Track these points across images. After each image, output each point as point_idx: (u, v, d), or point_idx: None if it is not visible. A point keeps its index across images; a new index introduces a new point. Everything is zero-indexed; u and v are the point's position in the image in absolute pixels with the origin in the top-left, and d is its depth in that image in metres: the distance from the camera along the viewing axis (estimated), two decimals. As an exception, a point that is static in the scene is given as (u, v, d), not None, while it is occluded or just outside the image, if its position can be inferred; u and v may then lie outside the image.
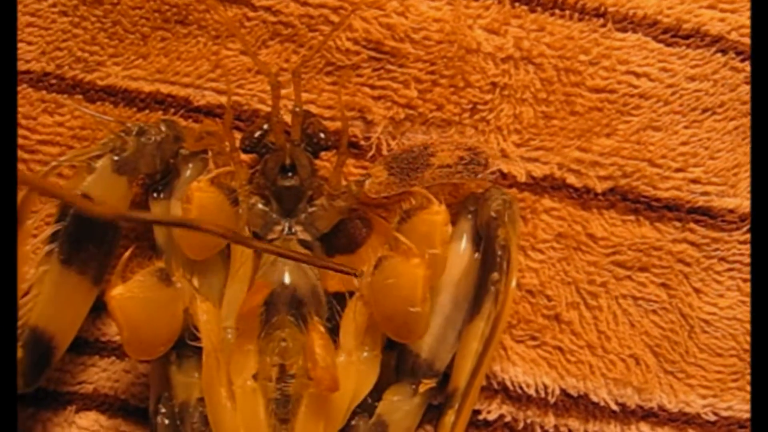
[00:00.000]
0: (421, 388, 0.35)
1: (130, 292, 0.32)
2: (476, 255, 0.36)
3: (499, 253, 0.34)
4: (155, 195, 0.36)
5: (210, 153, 0.36)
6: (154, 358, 0.34)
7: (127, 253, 0.33)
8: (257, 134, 0.36)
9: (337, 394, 0.32)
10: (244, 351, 0.33)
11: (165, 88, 0.39)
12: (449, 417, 0.34)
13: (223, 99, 0.39)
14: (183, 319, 0.33)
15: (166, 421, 0.35)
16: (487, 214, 0.35)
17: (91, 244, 0.34)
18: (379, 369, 0.34)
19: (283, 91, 0.35)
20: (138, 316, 0.32)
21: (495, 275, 0.34)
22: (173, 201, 0.36)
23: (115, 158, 0.34)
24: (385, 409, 0.35)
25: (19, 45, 0.39)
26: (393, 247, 0.33)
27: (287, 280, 0.34)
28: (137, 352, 0.33)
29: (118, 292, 0.31)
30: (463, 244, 0.36)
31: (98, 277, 0.35)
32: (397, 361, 0.36)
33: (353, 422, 0.34)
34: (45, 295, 0.34)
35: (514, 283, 0.33)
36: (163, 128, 0.35)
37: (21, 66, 0.39)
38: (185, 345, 0.33)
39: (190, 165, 0.36)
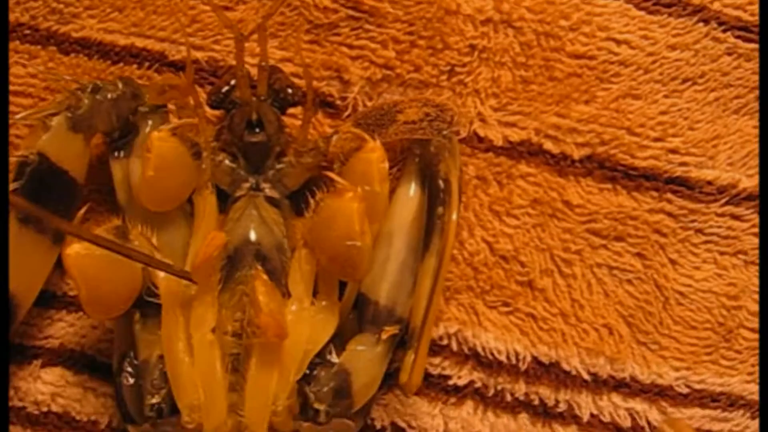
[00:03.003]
0: (384, 336, 0.34)
1: (87, 250, 0.31)
2: (425, 198, 0.36)
3: (442, 187, 0.34)
4: (116, 154, 0.35)
5: (174, 107, 0.35)
6: (113, 317, 0.34)
7: (82, 211, 0.33)
8: (224, 90, 0.36)
9: (290, 344, 0.32)
10: (203, 303, 0.33)
11: (140, 42, 0.39)
12: (409, 357, 0.34)
13: (200, 54, 0.39)
14: (141, 277, 0.33)
15: (131, 380, 0.34)
16: (429, 153, 0.35)
17: (50, 202, 0.34)
18: (337, 317, 0.34)
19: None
20: (96, 274, 0.32)
21: (440, 209, 0.34)
22: (133, 159, 0.35)
23: (70, 116, 0.34)
24: (347, 358, 0.34)
25: (-6, -5, 0.39)
26: (328, 189, 0.33)
27: (252, 236, 0.34)
28: (96, 310, 0.32)
29: (74, 249, 0.31)
30: (412, 188, 0.36)
31: (57, 236, 0.34)
32: (358, 312, 0.35)
33: (314, 372, 0.34)
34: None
35: (455, 216, 0.33)
36: (119, 85, 0.35)
37: (-5, 16, 0.39)
38: (149, 304, 0.33)
39: (150, 122, 0.35)
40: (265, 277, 0.33)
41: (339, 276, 0.34)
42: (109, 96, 0.34)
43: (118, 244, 0.32)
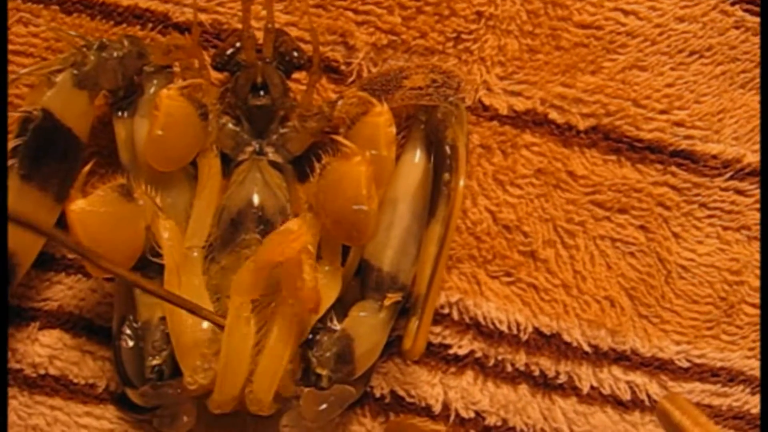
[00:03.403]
0: (386, 302, 0.34)
1: (91, 206, 0.31)
2: (430, 164, 0.35)
3: (449, 153, 0.34)
4: (119, 114, 0.35)
5: (179, 68, 0.35)
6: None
7: (87, 167, 0.32)
8: (229, 52, 0.36)
9: None
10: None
11: (143, 2, 0.38)
12: (413, 323, 0.33)
13: (204, 16, 0.38)
14: (144, 237, 0.33)
15: (130, 343, 0.34)
16: (436, 119, 0.35)
17: (53, 160, 0.33)
18: (340, 283, 0.34)
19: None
20: (98, 230, 0.31)
21: (446, 176, 0.34)
22: (137, 118, 0.35)
23: (75, 72, 0.33)
24: (349, 324, 0.34)
25: (-4, -47, 0.38)
26: (334, 152, 0.33)
27: (256, 200, 0.34)
28: (98, 269, 0.32)
29: (77, 205, 0.31)
30: (417, 155, 0.36)
31: (60, 194, 0.34)
32: (361, 278, 0.35)
33: (317, 338, 0.33)
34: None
35: (462, 182, 0.33)
36: (125, 44, 0.34)
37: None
38: (150, 265, 0.33)
39: (155, 81, 0.35)
40: (311, 249, 0.32)
41: (344, 240, 0.34)
42: (115, 54, 0.34)
43: (147, 283, 0.32)
